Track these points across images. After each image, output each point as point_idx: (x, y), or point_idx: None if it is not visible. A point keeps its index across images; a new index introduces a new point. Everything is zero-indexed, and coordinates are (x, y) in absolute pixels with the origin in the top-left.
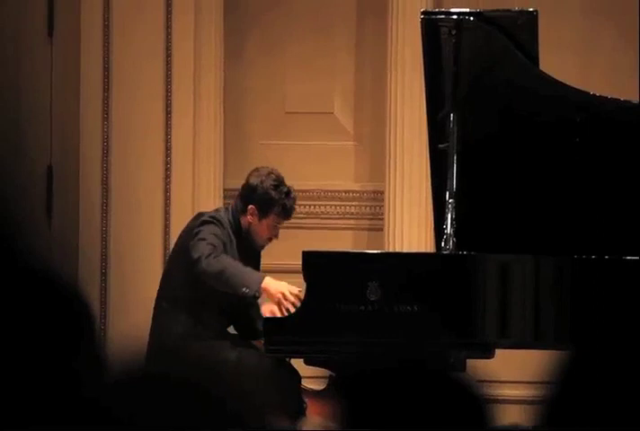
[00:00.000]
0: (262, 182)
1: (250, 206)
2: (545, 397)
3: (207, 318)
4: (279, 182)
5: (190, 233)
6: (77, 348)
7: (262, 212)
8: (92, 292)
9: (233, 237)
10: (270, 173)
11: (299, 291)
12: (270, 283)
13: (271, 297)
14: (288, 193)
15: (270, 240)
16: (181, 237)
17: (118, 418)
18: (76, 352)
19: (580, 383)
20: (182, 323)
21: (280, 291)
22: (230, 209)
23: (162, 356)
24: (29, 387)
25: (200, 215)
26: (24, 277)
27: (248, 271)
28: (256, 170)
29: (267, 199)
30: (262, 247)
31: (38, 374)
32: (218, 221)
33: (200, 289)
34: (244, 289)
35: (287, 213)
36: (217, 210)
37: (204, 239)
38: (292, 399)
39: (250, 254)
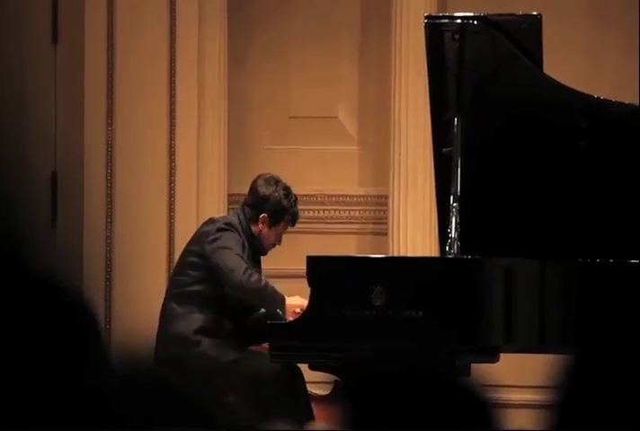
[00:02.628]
0: (274, 192)
1: (262, 215)
2: (551, 401)
3: (221, 314)
4: (288, 191)
5: (205, 236)
6: (82, 355)
7: (274, 220)
8: (96, 298)
9: (247, 244)
10: (278, 182)
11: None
12: (290, 301)
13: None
14: (295, 201)
15: (274, 246)
16: (195, 240)
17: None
18: (81, 358)
19: (586, 387)
20: (195, 320)
21: (299, 305)
22: (240, 216)
23: (166, 362)
24: (33, 394)
25: (214, 220)
26: (29, 283)
27: (276, 293)
28: (262, 178)
29: (279, 209)
30: (267, 253)
31: (42, 381)
32: (235, 229)
33: (217, 287)
34: (278, 311)
35: (295, 220)
36: (225, 217)
37: (230, 248)
38: (300, 402)
39: (255, 259)
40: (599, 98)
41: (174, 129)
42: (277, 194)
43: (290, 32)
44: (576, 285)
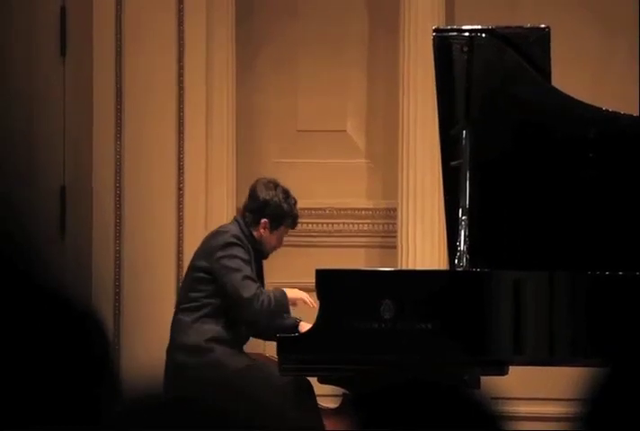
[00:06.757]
0: (274, 197)
1: (263, 220)
2: (576, 414)
3: (232, 323)
4: (287, 195)
5: (212, 251)
6: (91, 367)
7: (275, 225)
8: (105, 310)
9: (251, 251)
10: (277, 186)
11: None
12: (289, 293)
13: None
14: (295, 203)
15: (275, 248)
16: (202, 254)
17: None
18: (90, 371)
19: (604, 399)
20: (207, 329)
21: (299, 297)
22: (241, 223)
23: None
24: (42, 404)
25: (219, 232)
26: (38, 296)
27: (277, 300)
28: (261, 183)
29: (280, 213)
30: (268, 256)
31: (48, 390)
32: (241, 241)
33: (227, 300)
34: (284, 315)
35: (295, 223)
36: (228, 226)
37: (239, 270)
38: (309, 413)
39: (258, 263)
40: (607, 110)
41: (183, 143)
42: (277, 198)
43: (298, 46)
44: (585, 298)
